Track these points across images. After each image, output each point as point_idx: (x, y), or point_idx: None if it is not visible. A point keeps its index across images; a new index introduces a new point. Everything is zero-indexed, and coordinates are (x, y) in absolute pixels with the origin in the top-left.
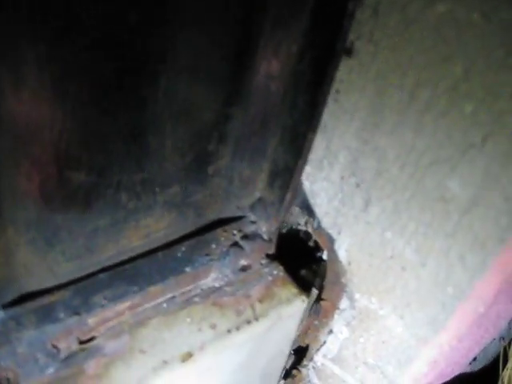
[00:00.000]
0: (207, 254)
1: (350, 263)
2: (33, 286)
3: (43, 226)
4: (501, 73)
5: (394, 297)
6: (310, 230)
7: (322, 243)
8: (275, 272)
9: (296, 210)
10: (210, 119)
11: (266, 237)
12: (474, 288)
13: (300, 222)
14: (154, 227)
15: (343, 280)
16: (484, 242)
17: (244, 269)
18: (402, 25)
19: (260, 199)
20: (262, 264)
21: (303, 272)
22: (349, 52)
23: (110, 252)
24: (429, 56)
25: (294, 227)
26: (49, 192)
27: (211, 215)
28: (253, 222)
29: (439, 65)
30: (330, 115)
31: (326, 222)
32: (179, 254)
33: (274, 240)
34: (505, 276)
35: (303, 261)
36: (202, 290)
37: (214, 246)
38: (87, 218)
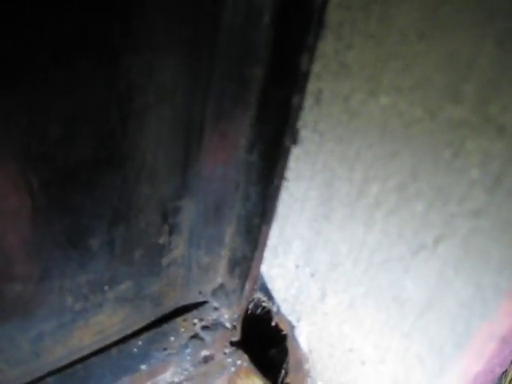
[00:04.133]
0: (165, 348)
1: (311, 351)
2: None
3: None
4: (449, 175)
5: None
6: (270, 312)
7: (283, 328)
8: (239, 362)
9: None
10: (158, 214)
11: (228, 324)
12: None
13: (263, 302)
14: (107, 323)
15: (306, 366)
16: (441, 347)
17: (206, 360)
18: (346, 116)
19: (222, 285)
20: (225, 353)
21: (269, 354)
22: (294, 140)
23: (59, 354)
24: (376, 151)
25: (257, 306)
26: None
27: (170, 303)
28: (215, 309)
29: (387, 161)
30: (281, 202)
31: (285, 308)
32: (135, 350)
33: (238, 327)
34: (466, 381)
35: (268, 341)
36: None
37: (172, 338)
38: (30, 325)
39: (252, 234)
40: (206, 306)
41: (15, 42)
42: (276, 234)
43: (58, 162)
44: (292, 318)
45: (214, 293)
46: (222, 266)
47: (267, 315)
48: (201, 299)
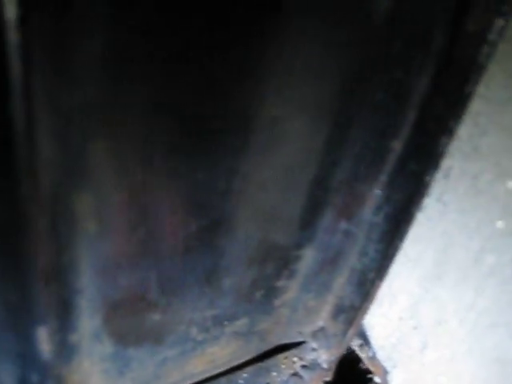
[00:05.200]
0: (268, 383)
1: None
2: None
3: (118, 358)
4: None
5: None
6: (363, 355)
7: (375, 372)
8: None
9: None
10: (282, 260)
11: (325, 365)
12: None
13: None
14: (219, 354)
15: None
16: None
17: None
18: (472, 192)
19: (322, 328)
20: None
21: None
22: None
23: (175, 378)
24: (494, 226)
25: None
26: (125, 330)
27: (273, 340)
28: (313, 349)
29: (506, 236)
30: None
31: (382, 355)
32: (241, 381)
33: (333, 368)
34: None
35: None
36: None
37: (274, 373)
38: (158, 350)
39: (364, 286)
40: (305, 346)
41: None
42: (384, 287)
43: (215, 211)
44: (387, 365)
45: (314, 334)
46: (326, 310)
47: (357, 358)
48: (299, 339)
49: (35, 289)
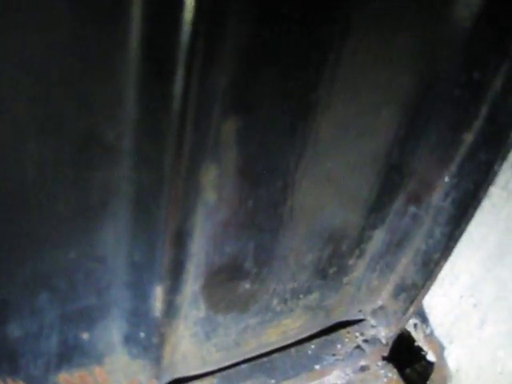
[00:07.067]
0: (334, 354)
1: (457, 371)
2: (185, 371)
3: (207, 323)
4: None
5: None
6: (419, 333)
7: (431, 348)
8: (389, 374)
9: None
10: (356, 240)
11: (384, 341)
12: None
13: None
14: (291, 326)
15: None
16: None
17: (363, 369)
18: None
19: (382, 307)
20: (378, 365)
21: (408, 370)
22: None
23: (252, 346)
24: None
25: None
26: (220, 297)
27: (335, 317)
28: (373, 326)
29: None
30: None
31: (440, 332)
32: (309, 352)
33: (390, 344)
34: None
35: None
36: None
37: (339, 346)
38: (242, 318)
39: (428, 266)
40: (365, 323)
41: None
42: (446, 267)
43: (304, 191)
44: (444, 341)
45: (374, 313)
46: (387, 290)
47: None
48: (359, 317)
49: (161, 251)
